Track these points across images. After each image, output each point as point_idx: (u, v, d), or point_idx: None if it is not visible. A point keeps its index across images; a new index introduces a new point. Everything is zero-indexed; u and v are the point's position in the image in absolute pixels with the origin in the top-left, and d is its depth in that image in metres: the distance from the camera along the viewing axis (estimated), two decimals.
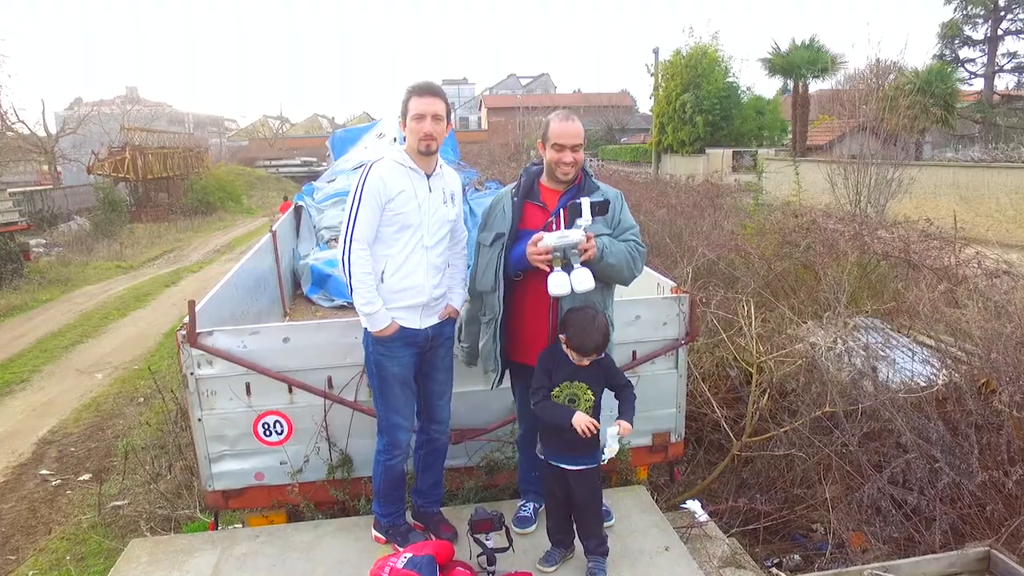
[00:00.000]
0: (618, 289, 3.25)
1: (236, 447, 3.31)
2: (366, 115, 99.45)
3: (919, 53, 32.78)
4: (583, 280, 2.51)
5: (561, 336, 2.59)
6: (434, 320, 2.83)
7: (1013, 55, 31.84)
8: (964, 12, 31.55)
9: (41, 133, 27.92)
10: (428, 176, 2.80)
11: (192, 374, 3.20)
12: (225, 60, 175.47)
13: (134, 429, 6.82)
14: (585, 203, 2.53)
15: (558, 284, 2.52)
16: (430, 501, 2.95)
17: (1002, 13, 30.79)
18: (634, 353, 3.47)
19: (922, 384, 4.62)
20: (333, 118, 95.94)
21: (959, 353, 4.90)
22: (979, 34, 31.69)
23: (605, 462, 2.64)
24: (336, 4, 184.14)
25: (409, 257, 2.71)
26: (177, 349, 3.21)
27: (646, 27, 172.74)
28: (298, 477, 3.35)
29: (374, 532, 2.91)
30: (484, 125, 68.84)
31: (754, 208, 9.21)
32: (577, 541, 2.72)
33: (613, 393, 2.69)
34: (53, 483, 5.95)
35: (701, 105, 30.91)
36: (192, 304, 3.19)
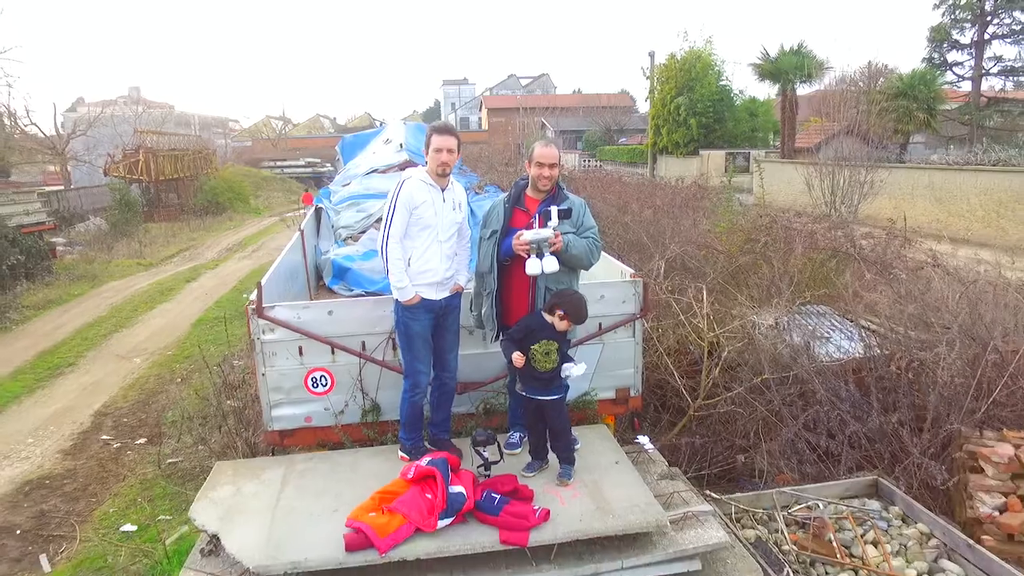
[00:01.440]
0: (587, 273, 4.25)
1: (291, 396, 4.28)
2: (367, 115, 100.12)
3: (908, 56, 33.64)
4: (551, 265, 3.52)
5: (558, 312, 3.55)
6: (446, 294, 3.80)
7: (999, 59, 32.44)
8: (952, 16, 32.18)
9: (52, 134, 28.84)
10: (442, 190, 3.78)
11: (259, 339, 4.17)
12: (226, 61, 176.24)
13: (178, 402, 7.79)
14: (553, 211, 3.54)
15: (532, 267, 3.52)
16: (441, 431, 3.92)
17: (988, 17, 31.44)
18: (600, 324, 4.43)
19: (843, 356, 5.60)
20: (335, 118, 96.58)
21: (880, 330, 5.88)
22: (966, 38, 32.30)
23: (568, 377, 3.61)
24: (337, 5, 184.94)
25: (428, 248, 3.69)
26: (247, 320, 4.18)
27: (646, 26, 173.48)
28: (339, 419, 4.31)
29: (400, 453, 3.87)
30: (484, 125, 69.52)
31: (725, 209, 10.16)
32: (552, 457, 3.70)
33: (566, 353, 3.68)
34: (115, 446, 6.93)
35: (695, 108, 31.83)
36: (260, 284, 4.17)
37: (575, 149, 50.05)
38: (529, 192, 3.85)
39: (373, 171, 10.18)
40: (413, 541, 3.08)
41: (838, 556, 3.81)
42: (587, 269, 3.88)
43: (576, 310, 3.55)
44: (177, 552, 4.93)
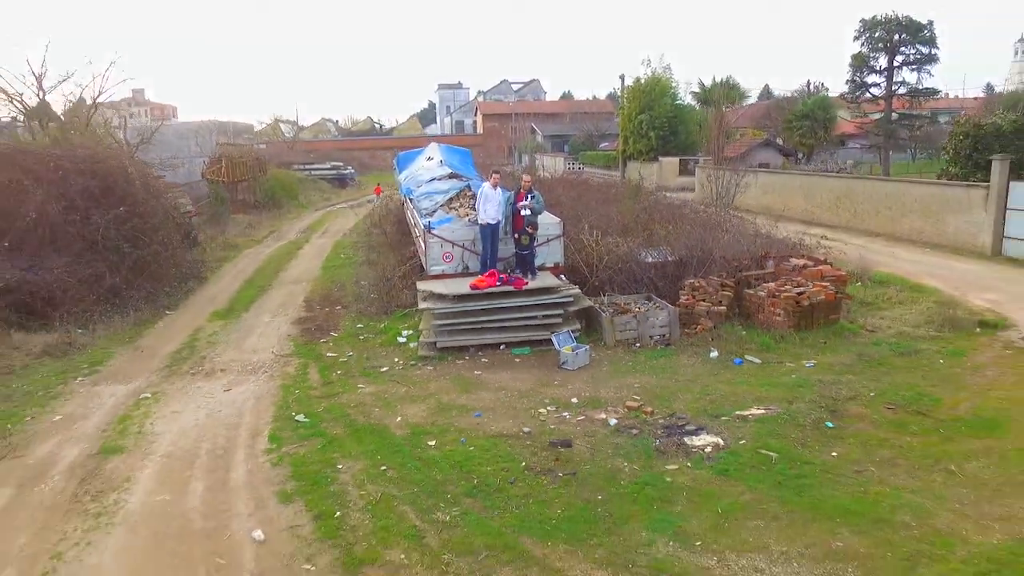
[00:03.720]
0: (542, 218, 12.06)
1: (436, 261, 12.04)
2: (369, 119, 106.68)
3: (835, 79, 41.44)
4: (528, 212, 11.37)
5: (530, 227, 11.35)
6: (494, 222, 11.54)
7: (903, 82, 39.89)
8: (869, 46, 39.74)
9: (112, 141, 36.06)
10: (495, 188, 11.56)
11: (429, 241, 11.97)
12: (227, 65, 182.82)
13: (344, 296, 15.45)
14: (530, 196, 11.40)
15: (523, 212, 11.35)
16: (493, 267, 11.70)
17: (898, 48, 39.00)
18: (547, 238, 12.22)
19: (651, 260, 13.39)
20: (338, 122, 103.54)
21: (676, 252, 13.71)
22: (880, 65, 39.80)
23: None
24: (340, 9, 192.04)
25: (490, 208, 11.44)
26: (423, 235, 11.94)
27: (635, 31, 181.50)
28: (455, 270, 12.09)
29: (479, 277, 11.61)
30: (479, 129, 76.23)
31: (631, 197, 17.99)
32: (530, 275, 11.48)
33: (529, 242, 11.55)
34: (326, 309, 14.60)
35: (654, 123, 39.62)
36: (430, 223, 11.97)
37: (561, 152, 57.56)
38: (522, 189, 11.68)
39: (433, 179, 17.82)
40: (489, 290, 10.89)
41: (623, 308, 11.63)
42: (540, 214, 11.74)
43: (535, 227, 11.39)
44: (387, 329, 12.61)
